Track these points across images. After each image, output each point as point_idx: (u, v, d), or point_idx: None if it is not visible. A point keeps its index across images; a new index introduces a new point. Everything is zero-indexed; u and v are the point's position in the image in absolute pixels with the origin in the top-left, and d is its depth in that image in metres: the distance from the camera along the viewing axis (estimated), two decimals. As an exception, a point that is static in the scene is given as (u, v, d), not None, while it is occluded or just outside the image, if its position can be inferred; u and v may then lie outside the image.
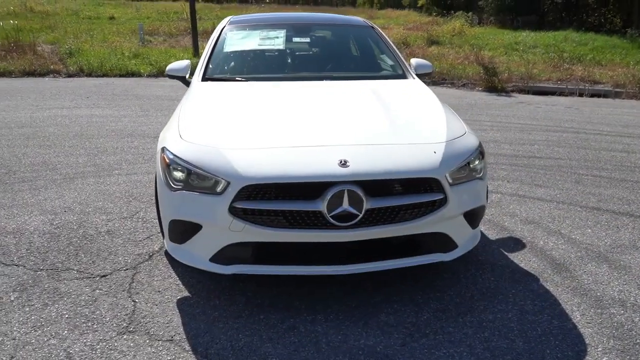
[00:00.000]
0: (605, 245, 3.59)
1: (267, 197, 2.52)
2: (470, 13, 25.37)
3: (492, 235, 3.72)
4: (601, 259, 3.39)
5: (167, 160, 2.72)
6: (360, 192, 2.48)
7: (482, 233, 3.68)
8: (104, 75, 11.77)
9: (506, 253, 3.45)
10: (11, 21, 17.22)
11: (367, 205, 2.50)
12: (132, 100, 8.85)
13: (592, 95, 10.81)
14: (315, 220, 2.51)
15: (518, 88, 11.08)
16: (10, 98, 8.74)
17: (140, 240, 3.51)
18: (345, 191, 2.47)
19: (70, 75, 11.64)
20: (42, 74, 11.57)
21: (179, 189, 2.65)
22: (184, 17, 21.79)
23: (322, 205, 2.47)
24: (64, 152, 5.61)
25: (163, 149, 2.81)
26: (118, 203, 4.17)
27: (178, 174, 2.66)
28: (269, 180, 2.49)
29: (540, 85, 11.33)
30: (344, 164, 2.53)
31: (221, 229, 2.56)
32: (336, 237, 2.54)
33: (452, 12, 25.11)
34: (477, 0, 26.95)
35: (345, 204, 2.48)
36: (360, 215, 2.51)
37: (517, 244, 3.58)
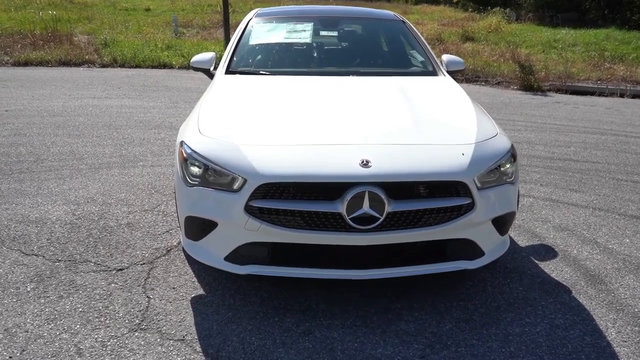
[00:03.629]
0: (644, 257, 3.38)
1: (284, 197, 2.42)
2: (507, 9, 24.71)
3: (522, 242, 3.54)
4: (640, 272, 3.18)
5: (185, 155, 2.65)
6: (381, 194, 2.36)
7: (511, 239, 3.51)
8: (137, 66, 11.87)
9: (536, 261, 3.27)
10: (50, 11, 17.58)
11: (388, 208, 2.38)
12: (162, 92, 8.89)
13: (634, 97, 10.34)
14: (334, 222, 2.40)
15: (555, 87, 10.68)
16: (45, 87, 8.89)
17: (160, 234, 3.47)
18: (366, 193, 2.36)
19: (104, 66, 11.79)
20: (77, 64, 11.74)
21: (195, 185, 2.58)
22: (217, 10, 21.86)
23: (341, 207, 2.36)
24: (92, 142, 5.64)
25: (181, 143, 2.75)
26: (140, 195, 4.15)
27: (195, 169, 2.59)
28: (287, 179, 2.39)
29: (579, 85, 10.90)
30: (365, 164, 2.41)
31: (237, 227, 2.47)
32: (355, 241, 2.42)
33: (489, 8, 24.45)
34: (516, -4, 26.25)
35: (366, 206, 2.37)
36: (381, 219, 2.39)
37: (548, 252, 3.40)
